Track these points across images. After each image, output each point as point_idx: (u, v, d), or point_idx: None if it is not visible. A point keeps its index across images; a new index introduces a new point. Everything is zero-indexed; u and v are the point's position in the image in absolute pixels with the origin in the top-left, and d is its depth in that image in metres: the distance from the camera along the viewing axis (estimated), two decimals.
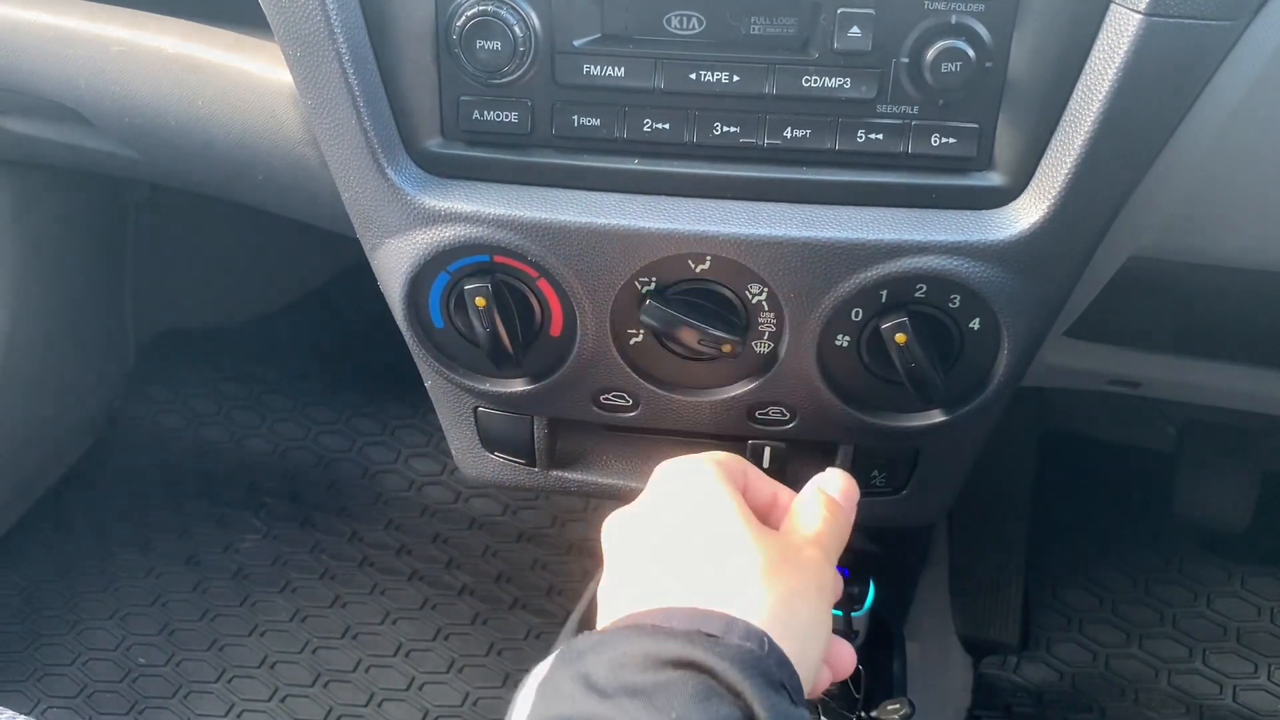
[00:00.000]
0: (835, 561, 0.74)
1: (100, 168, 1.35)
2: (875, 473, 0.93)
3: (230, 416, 1.95)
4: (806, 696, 0.64)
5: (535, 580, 1.70)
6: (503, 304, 0.83)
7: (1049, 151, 0.77)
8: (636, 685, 0.55)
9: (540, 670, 0.61)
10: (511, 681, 1.56)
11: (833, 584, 0.71)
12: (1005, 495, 1.64)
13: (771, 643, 0.60)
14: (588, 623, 1.28)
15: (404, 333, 0.89)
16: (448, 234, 0.82)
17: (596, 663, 0.57)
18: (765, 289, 0.82)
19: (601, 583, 0.72)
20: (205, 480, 1.85)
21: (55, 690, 1.55)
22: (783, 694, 0.57)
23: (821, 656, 0.68)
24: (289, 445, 1.91)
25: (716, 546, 0.67)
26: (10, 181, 1.58)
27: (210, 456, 1.89)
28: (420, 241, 0.83)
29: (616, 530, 0.74)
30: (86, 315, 1.84)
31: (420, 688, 1.56)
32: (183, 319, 2.01)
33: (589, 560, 1.70)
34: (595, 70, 0.78)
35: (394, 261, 0.85)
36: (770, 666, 0.58)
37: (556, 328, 0.86)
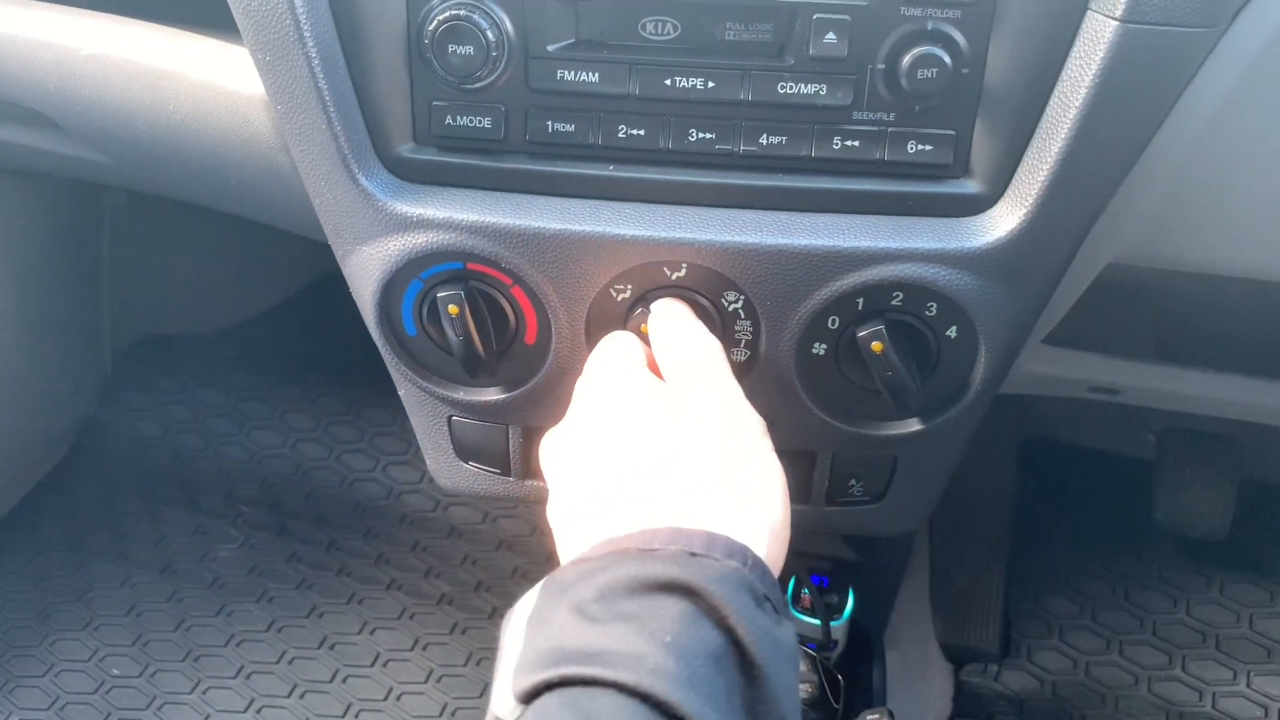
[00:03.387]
0: (729, 381, 0.74)
1: (72, 173, 1.34)
2: (853, 481, 0.93)
3: (207, 424, 1.93)
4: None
5: (515, 589, 1.67)
6: (476, 312, 0.83)
7: (1026, 158, 0.77)
8: (627, 610, 0.55)
9: (525, 605, 0.60)
10: (490, 691, 1.55)
11: (749, 415, 0.72)
12: (985, 502, 1.64)
13: (752, 556, 0.60)
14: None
15: (377, 341, 0.89)
16: (420, 240, 0.81)
17: (585, 590, 0.57)
18: (741, 296, 0.81)
19: (551, 508, 0.72)
20: (182, 488, 1.84)
21: (26, 702, 1.53)
22: (766, 607, 0.58)
23: (784, 503, 0.68)
24: (266, 453, 1.89)
25: (659, 452, 0.67)
26: None
27: (187, 464, 1.87)
28: (392, 248, 0.82)
29: (556, 451, 0.73)
30: (62, 321, 1.82)
31: (398, 698, 1.55)
32: (160, 326, 2.00)
33: None
34: (569, 75, 0.77)
35: (366, 269, 0.84)
36: (753, 581, 0.58)
37: (531, 335, 0.85)
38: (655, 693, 0.52)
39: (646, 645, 0.53)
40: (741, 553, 0.59)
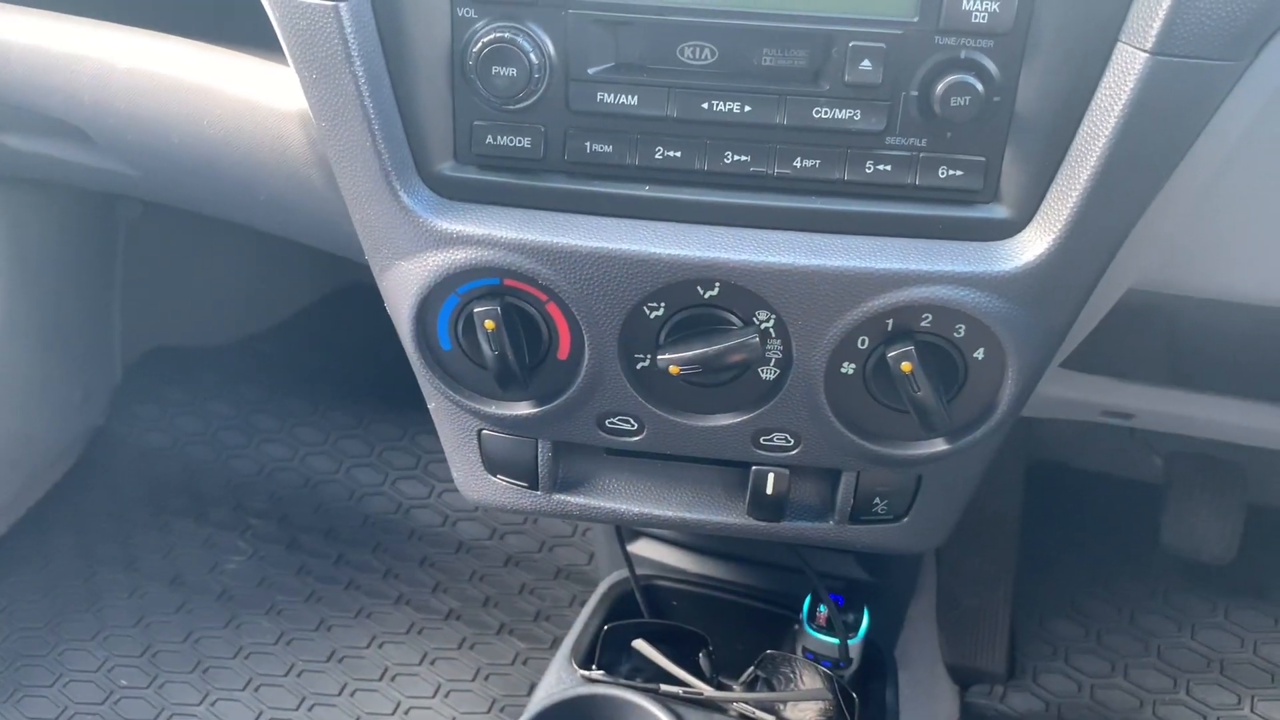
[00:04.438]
0: None
1: (98, 185, 1.35)
2: (877, 500, 0.94)
3: (217, 436, 1.94)
4: None
5: (523, 605, 1.69)
6: (511, 327, 0.84)
7: (1055, 185, 0.78)
8: None
9: None
10: (498, 707, 1.55)
11: None
12: (992, 525, 1.65)
13: None
14: (580, 649, 1.28)
15: (410, 354, 0.90)
16: (458, 256, 0.83)
17: None
18: (773, 316, 0.83)
19: None
20: (191, 500, 1.84)
21: (34, 711, 1.53)
22: None
23: None
24: (276, 466, 1.90)
25: None
26: (2, 197, 1.58)
27: (196, 476, 1.88)
28: (431, 264, 0.83)
29: None
30: (74, 331, 1.83)
31: (406, 712, 1.55)
32: (171, 337, 2.01)
33: (577, 585, 1.69)
34: (609, 98, 0.79)
35: (404, 283, 0.85)
36: None
37: (564, 351, 0.87)
38: None
39: None
40: None
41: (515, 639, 1.64)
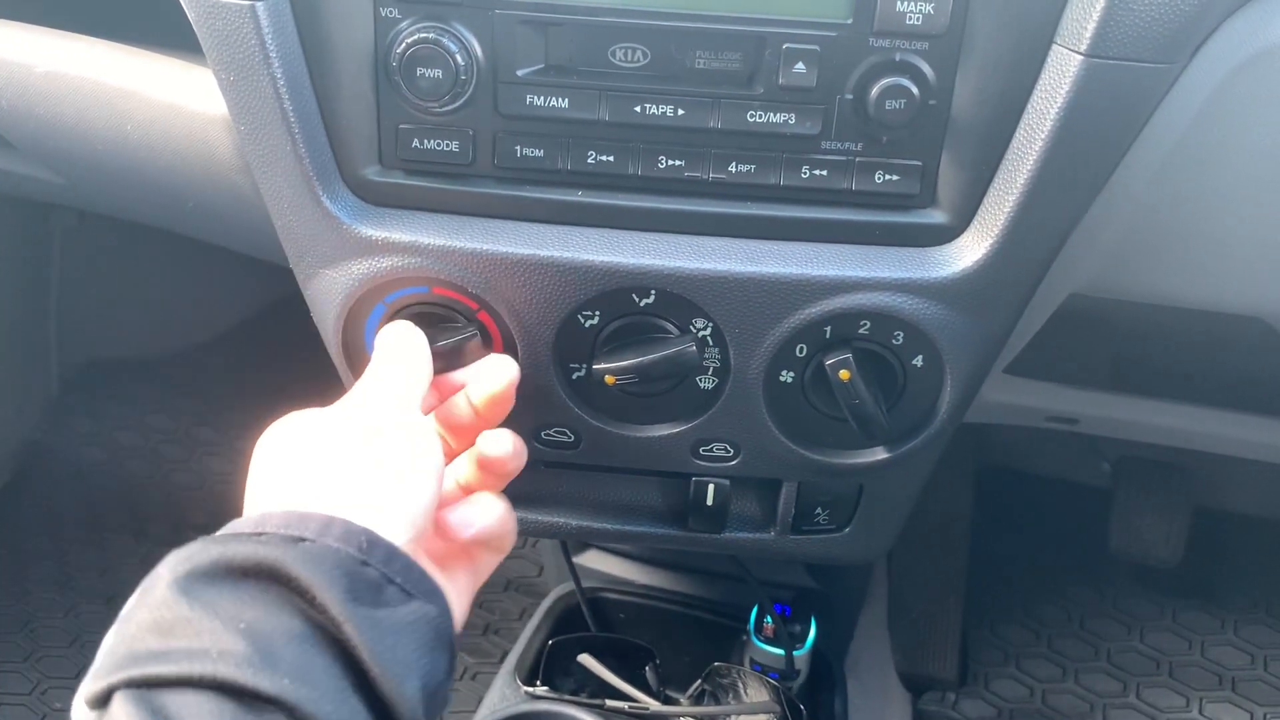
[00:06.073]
0: (414, 398, 0.73)
1: (24, 192, 1.31)
2: (819, 510, 0.92)
3: (156, 450, 1.89)
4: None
5: (471, 619, 1.66)
6: None
7: (991, 189, 0.77)
8: (204, 597, 0.54)
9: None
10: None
11: (418, 426, 0.70)
12: (943, 531, 1.65)
13: (370, 539, 0.59)
14: (524, 664, 1.25)
15: (338, 367, 0.87)
16: (385, 264, 0.80)
17: (167, 577, 0.56)
18: (710, 324, 0.81)
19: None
20: (129, 516, 1.80)
21: None
22: (369, 589, 0.57)
23: (430, 500, 0.67)
24: (216, 480, 1.86)
25: (314, 443, 0.67)
26: None
27: (134, 491, 1.83)
28: (356, 272, 0.81)
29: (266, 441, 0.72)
30: (8, 344, 1.78)
31: None
32: (108, 349, 1.96)
33: (527, 598, 1.67)
34: (539, 101, 0.77)
35: (329, 292, 0.83)
36: (358, 564, 0.57)
37: None
38: (224, 678, 0.51)
39: (218, 633, 0.52)
40: (358, 536, 0.58)
41: (463, 653, 1.61)
